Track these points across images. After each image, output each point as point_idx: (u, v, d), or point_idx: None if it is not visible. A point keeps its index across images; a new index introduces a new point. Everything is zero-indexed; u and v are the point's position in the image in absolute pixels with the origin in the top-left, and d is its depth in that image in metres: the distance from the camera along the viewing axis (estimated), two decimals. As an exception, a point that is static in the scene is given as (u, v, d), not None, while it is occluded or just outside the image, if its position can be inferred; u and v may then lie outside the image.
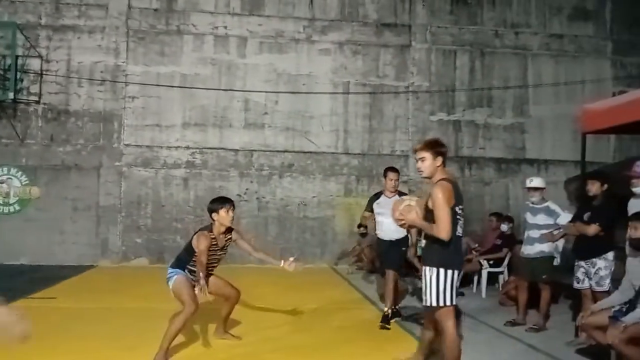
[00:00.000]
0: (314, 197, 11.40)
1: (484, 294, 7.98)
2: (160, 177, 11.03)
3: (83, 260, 10.48)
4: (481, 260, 8.25)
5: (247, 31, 11.41)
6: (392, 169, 6.61)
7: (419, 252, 9.38)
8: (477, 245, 8.83)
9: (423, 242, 4.14)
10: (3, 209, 10.79)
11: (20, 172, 10.86)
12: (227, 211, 4.89)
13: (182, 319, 4.52)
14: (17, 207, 10.82)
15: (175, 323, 4.53)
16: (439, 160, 3.81)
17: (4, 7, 10.96)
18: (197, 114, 11.24)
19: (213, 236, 4.88)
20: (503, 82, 11.97)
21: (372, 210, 6.52)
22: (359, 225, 10.75)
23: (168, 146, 11.14)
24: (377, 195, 6.57)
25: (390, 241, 6.30)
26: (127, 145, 11.07)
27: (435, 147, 3.84)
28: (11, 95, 10.42)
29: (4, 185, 10.83)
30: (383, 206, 6.19)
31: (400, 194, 6.36)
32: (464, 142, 11.91)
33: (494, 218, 8.89)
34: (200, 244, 4.72)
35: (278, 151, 11.37)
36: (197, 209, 11.02)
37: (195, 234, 4.92)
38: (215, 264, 5.05)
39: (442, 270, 3.80)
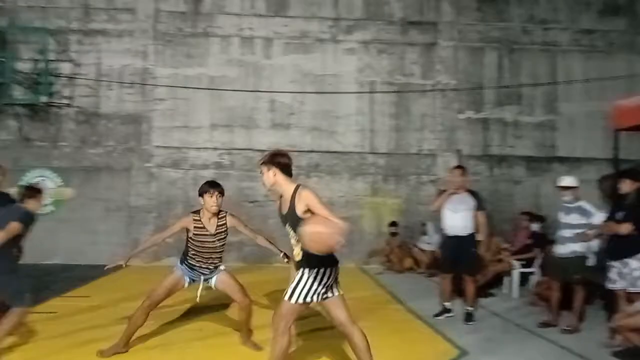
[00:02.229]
0: (341, 196, 11.38)
1: (515, 295, 7.85)
2: (189, 178, 11.16)
3: (115, 259, 10.66)
4: (512, 260, 8.13)
5: (273, 32, 11.46)
6: (456, 167, 6.74)
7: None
8: (508, 244, 8.68)
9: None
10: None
11: (53, 174, 11.13)
12: (211, 196, 4.82)
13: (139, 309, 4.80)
14: (51, 208, 11.08)
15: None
16: (274, 170, 3.85)
17: (36, 13, 11.23)
18: (224, 115, 11.35)
19: (197, 218, 4.86)
20: (532, 79, 11.76)
21: None
22: (390, 224, 10.72)
23: (196, 147, 11.27)
24: (444, 192, 6.61)
25: (457, 237, 6.32)
26: (156, 146, 11.23)
27: (268, 160, 3.88)
28: (44, 98, 10.69)
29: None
30: (451, 201, 6.35)
31: (470, 191, 6.43)
32: (493, 140, 11.74)
33: (525, 217, 8.75)
34: (175, 222, 4.93)
35: (304, 151, 11.39)
36: (226, 209, 11.10)
37: None
38: (212, 252, 4.92)
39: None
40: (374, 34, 11.64)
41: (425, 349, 5.30)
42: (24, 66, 10.97)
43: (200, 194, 4.88)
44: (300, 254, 3.81)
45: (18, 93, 10.83)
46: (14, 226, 4.61)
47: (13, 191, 10.89)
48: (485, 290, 7.66)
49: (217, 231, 4.90)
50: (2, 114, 11.06)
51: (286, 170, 3.90)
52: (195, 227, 4.85)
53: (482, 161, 11.59)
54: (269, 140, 11.35)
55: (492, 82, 11.71)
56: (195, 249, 4.89)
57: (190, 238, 4.88)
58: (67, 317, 6.18)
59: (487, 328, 6.07)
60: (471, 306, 6.42)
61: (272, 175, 3.87)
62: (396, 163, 11.56)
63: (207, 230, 4.86)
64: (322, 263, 3.83)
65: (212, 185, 4.92)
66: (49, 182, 11.11)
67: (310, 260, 3.79)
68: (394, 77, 11.67)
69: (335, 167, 11.45)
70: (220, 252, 4.99)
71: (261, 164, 3.95)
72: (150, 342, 5.20)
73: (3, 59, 10.39)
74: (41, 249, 10.80)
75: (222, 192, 4.92)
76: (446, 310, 6.45)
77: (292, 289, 3.88)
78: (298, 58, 11.47)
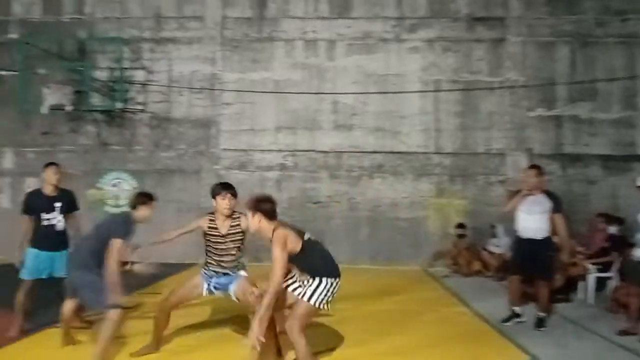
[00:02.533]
0: (405, 197, 11.27)
1: (591, 301, 7.47)
2: (255, 180, 11.42)
3: (186, 258, 11.06)
4: (587, 265, 7.73)
5: (336, 34, 11.52)
6: (531, 166, 6.45)
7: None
8: (582, 247, 8.27)
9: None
10: (114, 211, 11.68)
11: (129, 176, 11.72)
12: (224, 198, 4.82)
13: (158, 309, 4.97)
14: (126, 209, 11.66)
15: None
16: (259, 217, 4.16)
17: (112, 24, 11.88)
18: (288, 117, 11.53)
19: (212, 218, 4.91)
20: (608, 74, 11.13)
21: None
22: (458, 226, 10.49)
23: (261, 149, 11.52)
24: (518, 192, 6.40)
25: (531, 240, 6.10)
26: (224, 149, 11.58)
27: (253, 206, 4.21)
28: (120, 105, 11.27)
29: (115, 188, 11.74)
30: (525, 202, 6.15)
31: (547, 192, 6.19)
32: (566, 138, 11.22)
33: (602, 219, 8.31)
34: (191, 221, 5.08)
35: (367, 152, 11.36)
36: (290, 210, 11.29)
37: None
38: (223, 254, 4.89)
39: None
40: (438, 32, 11.44)
41: (493, 354, 5.16)
42: (101, 74, 11.63)
43: (213, 196, 4.90)
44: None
45: (96, 100, 11.49)
46: (119, 247, 4.55)
47: (91, 192, 11.63)
48: (558, 295, 7.34)
49: (229, 232, 4.87)
50: (81, 120, 11.77)
51: (270, 215, 4.19)
52: (208, 227, 4.90)
53: (554, 160, 11.11)
54: (332, 142, 11.43)
55: (564, 78, 11.19)
56: (208, 249, 4.96)
57: (205, 238, 4.97)
58: (141, 313, 6.49)
59: (560, 335, 5.82)
60: (544, 311, 6.17)
61: (257, 222, 4.18)
62: (463, 163, 11.30)
63: (218, 231, 4.88)
64: (338, 274, 4.30)
65: (225, 187, 4.92)
66: (125, 184, 11.72)
67: (331, 269, 4.24)
68: (459, 75, 11.41)
69: (399, 168, 11.34)
70: (232, 254, 4.93)
71: (247, 208, 4.25)
72: (184, 342, 5.35)
73: (82, 68, 11.04)
74: (118, 247, 11.46)
75: (234, 194, 4.90)
76: (515, 315, 6.23)
77: (311, 291, 4.07)
78: (361, 59, 11.47)
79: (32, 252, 5.41)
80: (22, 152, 11.83)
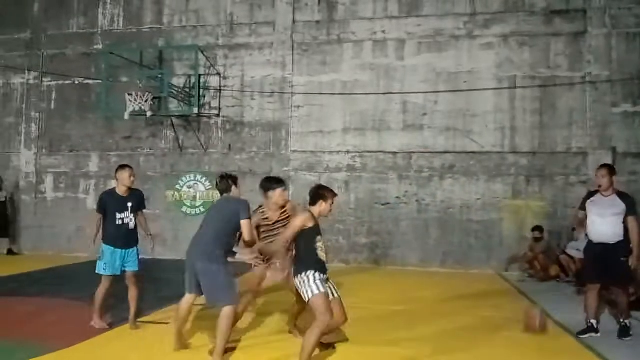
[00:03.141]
0: (478, 199, 10.91)
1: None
2: (323, 181, 11.47)
3: (256, 258, 11.37)
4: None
5: (405, 33, 11.37)
6: (603, 166, 6.01)
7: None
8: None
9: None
10: (190, 211, 12.18)
11: (204, 178, 12.17)
12: (283, 191, 5.44)
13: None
14: (202, 210, 12.12)
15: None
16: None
17: (188, 32, 12.41)
18: (356, 118, 11.50)
19: (262, 211, 5.46)
20: None
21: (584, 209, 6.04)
22: (535, 229, 10.00)
23: (330, 151, 11.57)
24: (591, 194, 6.07)
25: (604, 245, 5.73)
26: (293, 151, 11.75)
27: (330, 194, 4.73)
28: (196, 110, 11.74)
29: (191, 189, 12.24)
30: (597, 204, 5.82)
31: (620, 194, 5.82)
32: (655, 135, 10.42)
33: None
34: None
35: (438, 152, 11.11)
36: (358, 211, 11.27)
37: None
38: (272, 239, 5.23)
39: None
40: (513, 27, 10.99)
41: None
42: (178, 81, 12.18)
43: (271, 188, 5.42)
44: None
45: (173, 106, 12.05)
46: (249, 228, 4.76)
47: (169, 194, 12.15)
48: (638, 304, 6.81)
49: (280, 218, 5.42)
50: (160, 125, 12.38)
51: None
52: (262, 218, 5.42)
53: (641, 159, 10.36)
54: (400, 142, 11.28)
55: (653, 71, 10.40)
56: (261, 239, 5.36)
57: (259, 231, 5.38)
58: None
59: (645, 346, 5.39)
60: (626, 319, 5.75)
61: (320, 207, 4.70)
62: (540, 163, 10.78)
63: (269, 219, 5.42)
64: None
65: (283, 182, 5.63)
66: (200, 185, 12.18)
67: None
68: (536, 71, 10.91)
69: (471, 168, 11.00)
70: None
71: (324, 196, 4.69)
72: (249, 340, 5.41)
73: (161, 76, 11.60)
74: (194, 246, 11.92)
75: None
76: (591, 329, 5.76)
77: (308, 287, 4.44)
78: (431, 57, 11.24)
79: (108, 249, 5.67)
80: (106, 156, 12.62)
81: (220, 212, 4.88)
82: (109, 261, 5.66)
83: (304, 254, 4.49)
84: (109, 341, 5.28)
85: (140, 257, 5.96)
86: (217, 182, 5.19)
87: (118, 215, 5.71)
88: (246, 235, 4.74)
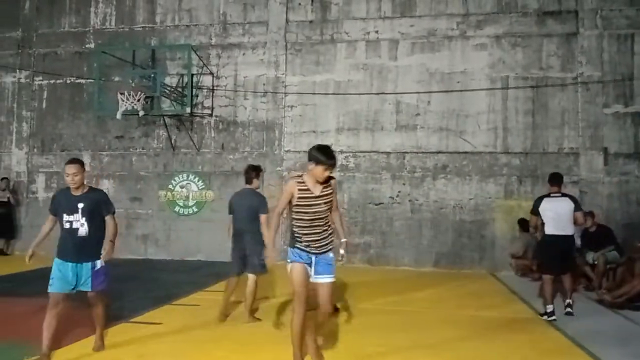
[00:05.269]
0: (470, 199, 10.95)
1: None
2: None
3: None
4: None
5: (399, 33, 11.39)
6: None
7: (592, 260, 8.54)
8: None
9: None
10: (183, 211, 12.14)
11: (197, 178, 12.14)
12: (327, 168, 4.30)
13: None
14: (195, 209, 12.10)
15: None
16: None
17: (181, 31, 12.37)
18: (349, 118, 11.51)
19: (301, 181, 4.36)
20: (695, 66, 10.33)
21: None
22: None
23: (324, 151, 11.55)
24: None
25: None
26: (286, 151, 11.74)
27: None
28: (188, 110, 11.70)
29: (184, 189, 12.19)
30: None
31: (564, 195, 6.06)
32: (647, 136, 10.51)
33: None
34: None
35: (431, 152, 11.14)
36: (351, 211, 11.28)
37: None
38: (317, 219, 4.36)
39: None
40: (506, 28, 11.05)
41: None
42: (171, 81, 12.14)
43: (318, 161, 4.29)
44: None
45: (166, 105, 12.00)
46: (267, 218, 5.80)
47: (162, 194, 12.04)
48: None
49: (322, 194, 4.38)
50: (153, 125, 12.33)
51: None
52: (299, 189, 4.36)
53: (632, 160, 10.44)
54: (393, 142, 11.30)
55: (644, 72, 10.49)
56: (298, 217, 4.40)
57: (293, 205, 4.39)
58: (207, 309, 6.66)
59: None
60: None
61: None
62: (532, 163, 10.83)
63: (311, 192, 4.35)
64: None
65: (332, 158, 4.38)
66: (193, 185, 12.14)
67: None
68: (529, 72, 10.97)
69: (464, 169, 11.04)
70: (325, 218, 4.44)
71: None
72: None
73: (153, 75, 11.54)
74: (187, 246, 11.91)
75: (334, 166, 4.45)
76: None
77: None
78: (424, 57, 11.28)
79: (56, 261, 4.74)
80: (98, 156, 12.56)
81: (245, 203, 6.03)
82: (56, 275, 4.63)
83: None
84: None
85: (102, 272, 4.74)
86: (245, 171, 6.23)
87: (66, 218, 4.64)
88: (265, 227, 5.78)
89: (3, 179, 12.40)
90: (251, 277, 6.10)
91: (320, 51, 11.74)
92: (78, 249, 4.64)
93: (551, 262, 6.71)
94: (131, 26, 12.65)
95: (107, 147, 12.55)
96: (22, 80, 13.04)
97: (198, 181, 12.13)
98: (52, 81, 12.86)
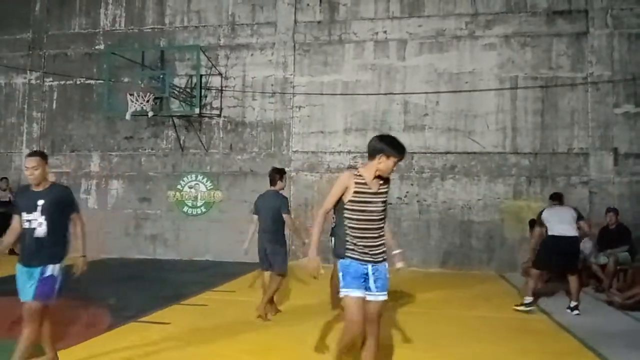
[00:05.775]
0: (479, 200, 10.90)
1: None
2: (324, 181, 11.49)
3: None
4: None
5: (407, 33, 11.37)
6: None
7: (602, 261, 8.48)
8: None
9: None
10: (192, 211, 12.19)
11: (205, 178, 12.18)
12: (395, 163, 3.78)
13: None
14: (203, 210, 12.14)
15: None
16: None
17: (189, 32, 12.42)
18: (357, 119, 11.50)
19: (359, 174, 3.79)
20: None
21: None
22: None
23: (331, 151, 11.57)
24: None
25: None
26: (295, 151, 11.75)
27: None
28: (197, 110, 11.73)
29: (193, 190, 12.24)
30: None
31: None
32: (658, 136, 10.42)
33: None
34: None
35: (439, 153, 11.11)
36: (360, 212, 11.23)
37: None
38: (372, 220, 3.80)
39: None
40: (515, 27, 10.99)
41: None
42: (179, 82, 12.19)
43: (385, 153, 3.72)
44: None
45: (175, 106, 12.05)
46: (291, 220, 6.32)
47: (171, 194, 12.10)
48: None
49: (379, 191, 3.85)
50: (162, 126, 12.38)
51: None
52: (356, 183, 3.78)
53: (643, 160, 10.35)
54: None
55: (656, 71, 10.39)
56: (351, 216, 3.84)
57: (347, 202, 3.81)
58: (216, 309, 6.69)
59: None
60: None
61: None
62: (542, 163, 10.77)
63: (368, 187, 3.79)
64: None
65: (402, 149, 3.81)
66: (201, 185, 12.18)
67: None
68: (538, 71, 10.90)
69: (472, 169, 10.99)
70: (381, 219, 3.90)
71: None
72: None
73: (162, 76, 11.59)
74: (195, 246, 11.95)
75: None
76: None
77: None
78: (432, 57, 11.24)
79: (17, 266, 4.33)
80: (107, 156, 12.64)
81: (268, 205, 6.28)
82: (19, 282, 4.17)
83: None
84: (108, 342, 5.24)
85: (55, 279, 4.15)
86: (269, 174, 6.50)
87: (25, 216, 4.14)
88: (289, 226, 6.24)
89: (3, 178, 12.48)
90: (275, 276, 6.34)
91: (328, 52, 11.74)
92: (30, 251, 4.11)
93: (549, 260, 6.82)
94: (140, 27, 12.73)
95: (117, 148, 12.63)
96: (33, 82, 13.16)
97: (206, 181, 12.17)
98: (62, 82, 12.96)
